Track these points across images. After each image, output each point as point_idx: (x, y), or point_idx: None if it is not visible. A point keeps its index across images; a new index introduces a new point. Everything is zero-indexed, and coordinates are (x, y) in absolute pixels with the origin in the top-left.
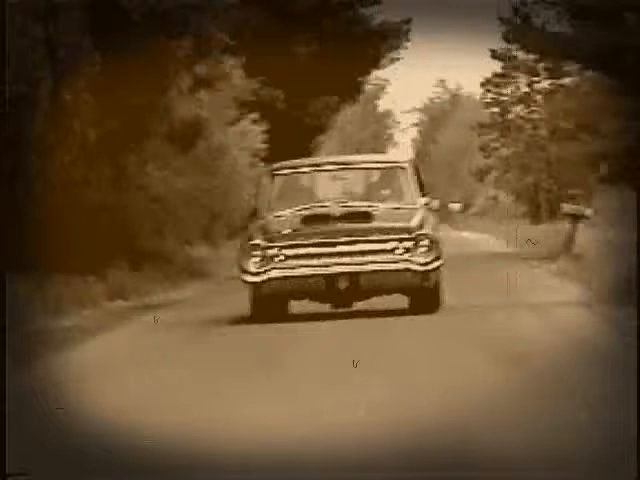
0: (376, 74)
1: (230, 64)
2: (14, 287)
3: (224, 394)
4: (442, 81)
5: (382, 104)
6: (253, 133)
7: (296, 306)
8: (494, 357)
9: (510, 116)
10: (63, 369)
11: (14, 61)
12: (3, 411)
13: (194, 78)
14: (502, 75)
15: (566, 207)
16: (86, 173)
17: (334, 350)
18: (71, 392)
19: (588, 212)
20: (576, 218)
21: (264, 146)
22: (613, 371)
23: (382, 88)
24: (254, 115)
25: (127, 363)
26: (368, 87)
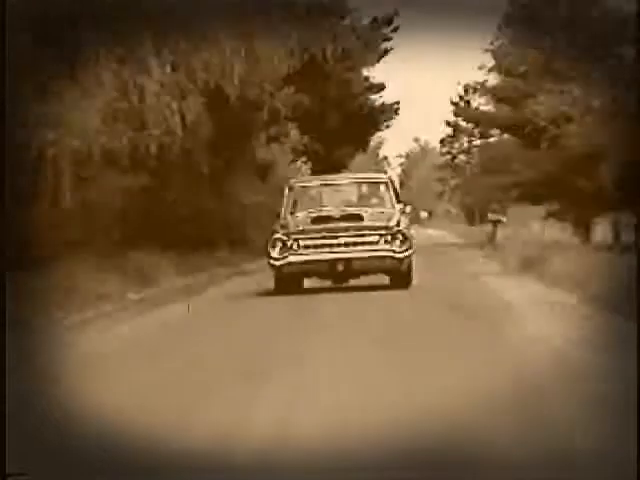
0: (377, 134)
1: (290, 126)
2: (168, 258)
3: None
4: (417, 139)
5: (381, 152)
6: (304, 169)
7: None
8: (446, 303)
9: (457, 161)
10: (202, 303)
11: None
12: (3, 411)
13: (267, 135)
14: (452, 136)
15: (490, 215)
16: (201, 190)
17: (347, 306)
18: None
19: (504, 219)
20: (496, 222)
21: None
22: (510, 309)
23: (381, 143)
24: (304, 158)
25: (231, 298)
26: (372, 142)
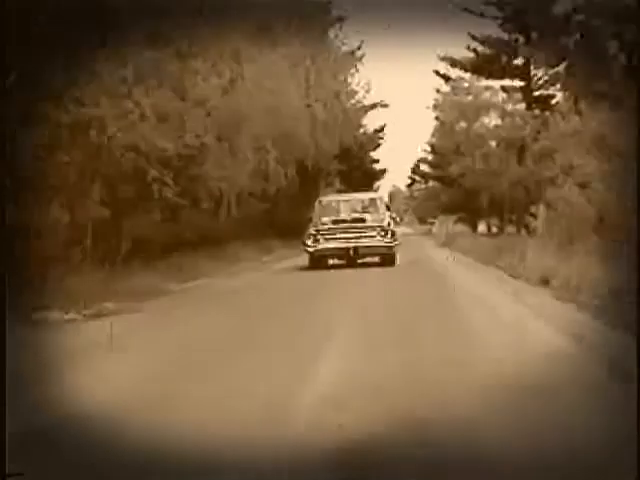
0: (376, 182)
1: (336, 179)
2: (280, 241)
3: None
4: (395, 185)
5: (379, 191)
6: None
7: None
8: (407, 259)
9: (414, 195)
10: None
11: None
12: (3, 411)
13: (325, 183)
14: (412, 184)
15: (429, 220)
16: (295, 210)
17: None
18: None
19: (436, 221)
20: (432, 223)
21: None
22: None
23: (379, 186)
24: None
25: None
26: (375, 186)
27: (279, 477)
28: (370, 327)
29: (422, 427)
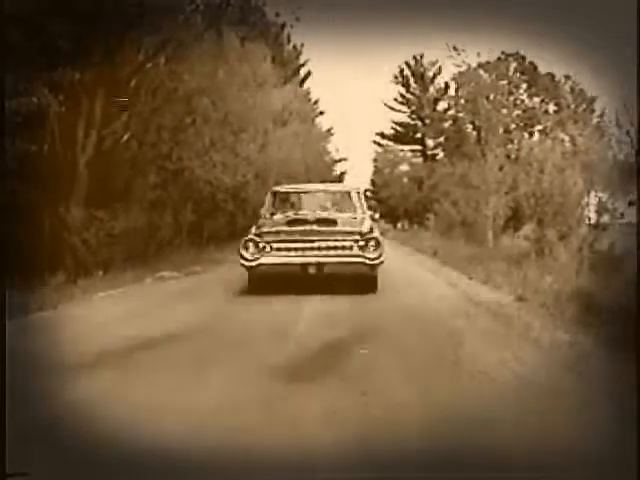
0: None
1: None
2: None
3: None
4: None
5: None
6: None
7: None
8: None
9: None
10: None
11: None
12: (3, 411)
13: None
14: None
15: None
16: None
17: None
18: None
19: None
20: (375, 220)
21: None
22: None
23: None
24: None
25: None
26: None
27: (291, 347)
28: None
29: (359, 328)
